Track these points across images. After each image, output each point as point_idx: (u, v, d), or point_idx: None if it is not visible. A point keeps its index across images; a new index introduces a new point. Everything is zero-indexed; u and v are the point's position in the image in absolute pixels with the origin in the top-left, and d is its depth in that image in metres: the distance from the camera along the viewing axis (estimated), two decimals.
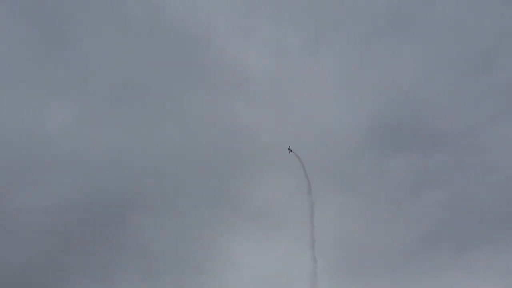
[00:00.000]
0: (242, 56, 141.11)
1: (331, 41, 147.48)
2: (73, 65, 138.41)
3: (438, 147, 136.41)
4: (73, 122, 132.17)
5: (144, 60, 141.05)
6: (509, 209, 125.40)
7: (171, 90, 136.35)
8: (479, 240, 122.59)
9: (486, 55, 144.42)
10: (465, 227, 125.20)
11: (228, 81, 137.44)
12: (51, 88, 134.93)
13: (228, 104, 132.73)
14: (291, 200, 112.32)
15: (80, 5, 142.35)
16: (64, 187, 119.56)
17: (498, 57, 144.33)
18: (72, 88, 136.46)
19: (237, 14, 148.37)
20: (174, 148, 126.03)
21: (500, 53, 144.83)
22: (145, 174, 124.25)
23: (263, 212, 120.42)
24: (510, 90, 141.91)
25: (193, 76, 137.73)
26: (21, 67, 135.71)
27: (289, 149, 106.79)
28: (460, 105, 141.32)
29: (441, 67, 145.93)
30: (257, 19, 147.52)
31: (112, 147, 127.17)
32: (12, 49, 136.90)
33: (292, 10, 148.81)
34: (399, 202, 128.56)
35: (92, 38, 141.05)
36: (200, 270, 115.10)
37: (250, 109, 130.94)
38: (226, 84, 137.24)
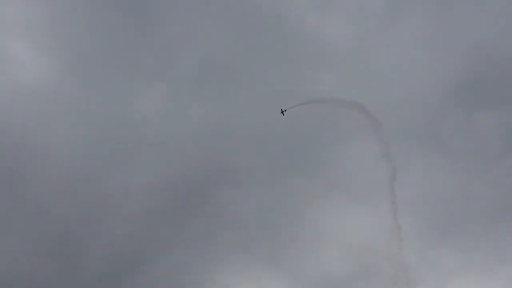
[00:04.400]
0: (322, 27, 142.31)
1: (409, 5, 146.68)
2: (159, 48, 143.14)
3: None
4: (162, 103, 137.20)
5: (225, 38, 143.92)
6: None
7: (253, 66, 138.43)
8: None
9: None
10: None
11: (309, 53, 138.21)
12: (139, 72, 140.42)
13: (309, 76, 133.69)
14: (375, 166, 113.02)
15: None
16: (157, 166, 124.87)
17: None
18: (159, 71, 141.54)
19: None
20: (259, 122, 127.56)
21: None
22: (234, 149, 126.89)
23: (349, 180, 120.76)
24: None
25: (274, 50, 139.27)
26: (109, 53, 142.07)
27: (282, 110, 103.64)
28: None
29: None
30: None
31: (200, 125, 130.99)
32: (99, 35, 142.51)
33: None
34: (487, 160, 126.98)
35: (175, 20, 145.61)
36: (290, 238, 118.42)
37: (332, 79, 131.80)
38: (307, 56, 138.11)
